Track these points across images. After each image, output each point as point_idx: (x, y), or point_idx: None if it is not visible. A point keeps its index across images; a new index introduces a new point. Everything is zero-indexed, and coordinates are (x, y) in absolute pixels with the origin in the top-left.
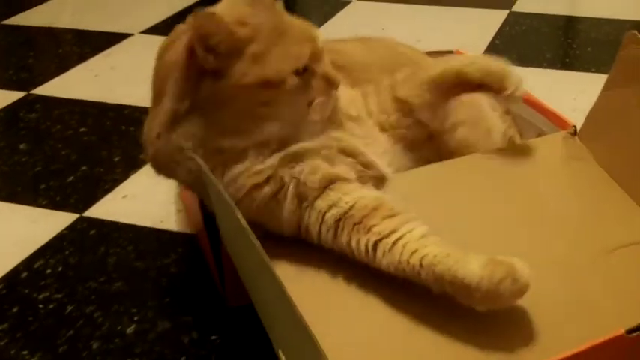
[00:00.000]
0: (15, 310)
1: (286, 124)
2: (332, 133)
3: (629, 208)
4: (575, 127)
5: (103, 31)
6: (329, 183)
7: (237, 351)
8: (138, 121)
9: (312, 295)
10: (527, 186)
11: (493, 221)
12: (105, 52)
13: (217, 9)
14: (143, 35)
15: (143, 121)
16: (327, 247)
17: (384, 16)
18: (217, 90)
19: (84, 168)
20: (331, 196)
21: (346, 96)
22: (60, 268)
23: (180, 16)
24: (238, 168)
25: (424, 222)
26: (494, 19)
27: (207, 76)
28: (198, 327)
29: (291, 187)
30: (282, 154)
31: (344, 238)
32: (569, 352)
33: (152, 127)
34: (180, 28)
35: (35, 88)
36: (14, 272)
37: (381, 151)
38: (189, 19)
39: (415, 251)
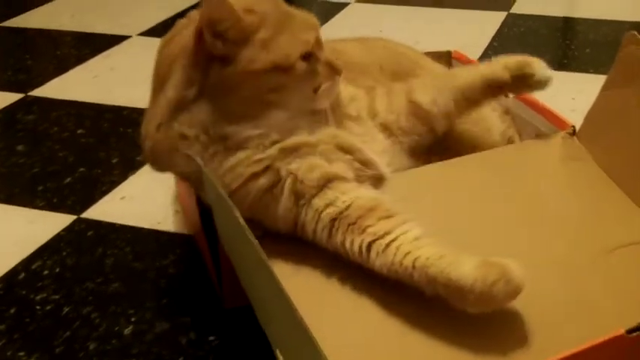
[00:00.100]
0: (12, 311)
1: (293, 112)
2: (330, 129)
3: (628, 208)
4: (574, 127)
5: (102, 32)
6: (327, 182)
7: (235, 352)
8: (136, 122)
9: (307, 293)
10: (527, 186)
11: (492, 221)
12: (104, 54)
13: None
14: (142, 37)
15: (141, 122)
16: (322, 246)
17: (382, 17)
18: (225, 76)
19: (82, 169)
20: (328, 194)
21: (346, 94)
22: (57, 270)
23: (178, 18)
24: (239, 156)
25: (422, 222)
26: (492, 20)
27: (215, 62)
28: (195, 328)
29: (288, 183)
30: (280, 145)
31: (338, 238)
32: (568, 353)
33: (151, 119)
34: (182, 22)
35: (33, 89)
36: (11, 273)
37: (379, 149)
38: (191, 13)
39: (408, 253)
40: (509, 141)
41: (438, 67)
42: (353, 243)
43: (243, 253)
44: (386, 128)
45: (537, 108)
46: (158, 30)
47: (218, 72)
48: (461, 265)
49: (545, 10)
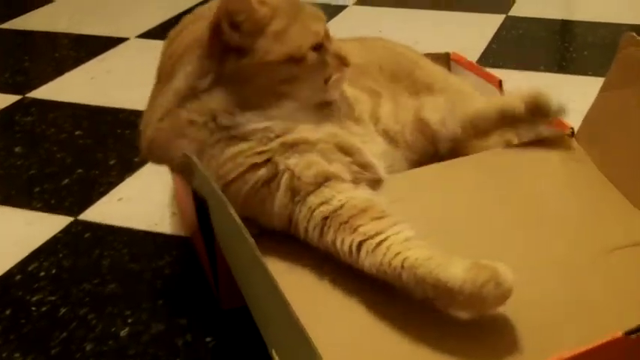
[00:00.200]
0: (8, 312)
1: (303, 103)
2: (332, 127)
3: (627, 209)
4: (572, 128)
5: (99, 35)
6: (324, 180)
7: (231, 353)
8: (133, 124)
9: (300, 292)
10: (525, 187)
11: (492, 222)
12: (101, 56)
13: None
14: (139, 39)
15: (138, 124)
16: (313, 245)
17: (381, 19)
18: (241, 67)
19: (79, 171)
20: (325, 193)
21: (348, 95)
22: (54, 271)
23: (175, 21)
24: (242, 146)
25: (419, 224)
26: (491, 22)
27: (231, 53)
28: (192, 329)
29: (285, 178)
30: (282, 139)
31: (330, 237)
32: (567, 355)
33: (155, 109)
34: (188, 18)
35: (31, 91)
36: (8, 275)
37: (379, 152)
38: (197, 9)
39: (398, 253)
40: (508, 142)
41: (438, 68)
42: (344, 242)
43: (238, 250)
44: (387, 136)
45: None
46: (155, 33)
47: (234, 63)
48: (450, 266)
49: (543, 13)
